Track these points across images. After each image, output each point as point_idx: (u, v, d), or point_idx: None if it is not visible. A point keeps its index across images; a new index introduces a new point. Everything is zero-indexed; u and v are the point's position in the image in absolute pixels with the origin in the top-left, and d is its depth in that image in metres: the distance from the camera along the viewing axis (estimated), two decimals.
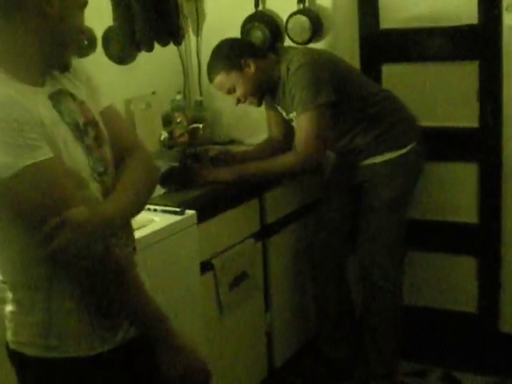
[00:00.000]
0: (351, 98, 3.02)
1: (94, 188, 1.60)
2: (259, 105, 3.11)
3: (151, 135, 3.35)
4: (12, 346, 1.62)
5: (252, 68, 2.99)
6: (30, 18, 1.48)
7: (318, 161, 2.99)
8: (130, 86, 3.37)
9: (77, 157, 1.56)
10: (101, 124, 1.67)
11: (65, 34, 1.54)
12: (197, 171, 2.89)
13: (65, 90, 1.62)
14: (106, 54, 3.24)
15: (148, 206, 2.48)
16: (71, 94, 1.62)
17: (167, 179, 2.77)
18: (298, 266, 3.43)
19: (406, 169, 3.08)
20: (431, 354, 3.44)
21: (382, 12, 3.40)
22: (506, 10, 3.12)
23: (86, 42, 2.92)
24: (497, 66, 3.21)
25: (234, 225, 2.92)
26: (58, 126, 1.53)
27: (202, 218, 2.58)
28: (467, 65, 3.29)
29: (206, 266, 2.70)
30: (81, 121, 1.60)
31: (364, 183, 3.14)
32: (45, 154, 1.43)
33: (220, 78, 2.98)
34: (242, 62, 2.97)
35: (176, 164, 2.83)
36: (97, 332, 1.60)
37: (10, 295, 1.60)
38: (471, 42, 3.27)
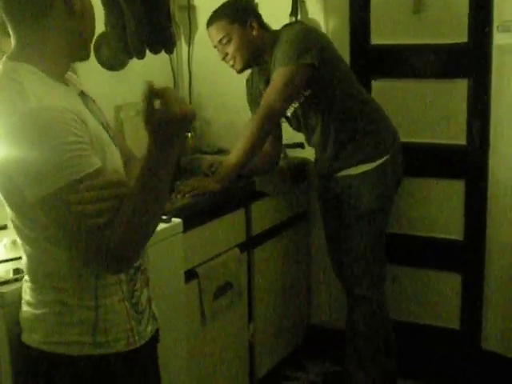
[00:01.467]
0: (333, 82, 2.99)
1: None
2: (241, 70, 3.06)
3: (140, 142, 3.30)
4: (43, 347, 1.61)
5: (254, 31, 2.99)
6: (59, 17, 1.54)
7: (277, 116, 2.96)
8: (120, 92, 3.37)
9: (116, 156, 1.65)
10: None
11: (87, 28, 1.63)
12: (175, 183, 2.85)
13: (84, 92, 1.70)
14: (97, 60, 3.24)
15: None
16: (91, 98, 1.71)
17: None
18: (283, 276, 3.43)
19: (381, 181, 3.06)
20: (413, 369, 3.44)
21: (373, 27, 3.42)
22: (497, 29, 3.14)
23: None
24: (486, 84, 3.23)
25: (220, 234, 2.92)
26: (98, 126, 1.60)
27: (187, 226, 2.57)
28: (456, 82, 3.31)
29: (190, 275, 2.70)
30: (103, 121, 1.68)
31: (341, 195, 3.13)
32: (96, 163, 1.47)
33: (221, 23, 2.96)
34: (249, 20, 2.98)
35: None
36: (135, 327, 1.67)
37: (46, 298, 1.61)
38: (461, 60, 3.28)
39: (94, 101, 1.73)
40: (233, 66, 3.05)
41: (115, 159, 1.63)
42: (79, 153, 1.43)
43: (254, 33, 2.99)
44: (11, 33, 1.57)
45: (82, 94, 1.67)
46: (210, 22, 3.02)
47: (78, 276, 1.58)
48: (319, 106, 3.03)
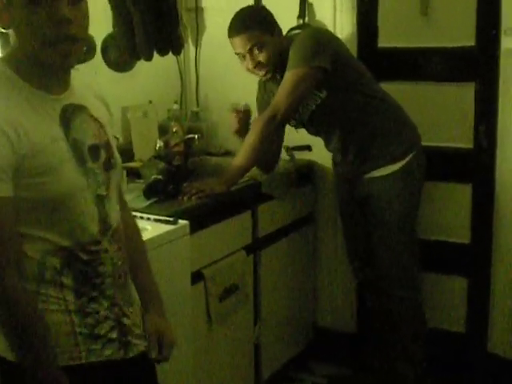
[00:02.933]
0: (349, 84, 2.99)
1: (90, 211, 1.61)
2: (271, 77, 3.04)
3: (147, 144, 3.36)
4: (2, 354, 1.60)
5: (280, 38, 3.00)
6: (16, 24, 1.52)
7: (283, 118, 2.94)
8: (127, 93, 3.38)
9: (70, 176, 1.55)
10: (115, 150, 1.71)
11: (29, 43, 1.51)
12: (182, 185, 2.86)
13: (85, 107, 1.64)
14: (105, 61, 3.25)
15: (141, 215, 2.49)
16: (91, 114, 1.65)
17: (150, 192, 2.76)
18: (289, 279, 3.44)
19: (409, 180, 3.06)
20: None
21: (380, 30, 3.42)
22: (504, 32, 3.13)
23: (85, 48, 2.93)
24: (493, 88, 3.22)
25: (226, 236, 2.93)
26: (57, 141, 1.54)
27: (194, 228, 2.58)
28: (463, 86, 3.30)
29: (196, 277, 2.71)
30: (91, 141, 1.62)
31: (368, 198, 3.11)
32: (4, 190, 1.45)
33: (253, 32, 2.91)
34: (276, 29, 2.99)
35: (160, 176, 2.82)
36: (82, 344, 1.61)
37: None
38: (468, 63, 3.28)
39: (101, 123, 1.68)
40: (264, 75, 3.02)
41: (67, 180, 1.55)
42: None
43: (281, 40, 3.00)
44: None
45: (74, 107, 1.62)
46: (237, 31, 2.94)
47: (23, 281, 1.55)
48: (336, 108, 3.03)
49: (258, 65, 2.97)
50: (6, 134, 1.44)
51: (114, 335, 1.67)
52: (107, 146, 1.68)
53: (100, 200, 1.64)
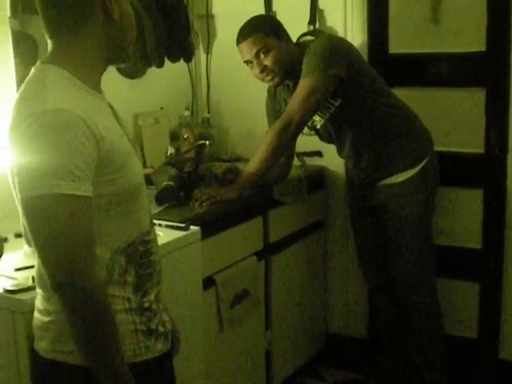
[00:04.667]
0: (364, 92, 2.98)
1: (146, 202, 1.71)
2: (279, 83, 3.02)
3: (158, 150, 3.37)
4: (47, 355, 1.62)
5: (288, 43, 2.99)
6: (97, 25, 1.57)
7: (297, 126, 2.90)
8: (138, 100, 3.40)
9: (138, 169, 1.65)
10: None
11: (126, 34, 1.64)
12: (193, 191, 2.86)
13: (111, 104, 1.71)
14: (116, 68, 3.26)
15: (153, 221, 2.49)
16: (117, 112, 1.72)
17: (161, 198, 2.77)
18: (300, 284, 3.44)
19: (424, 186, 3.06)
20: None
21: (391, 36, 3.43)
22: None
23: None
24: (504, 93, 3.22)
25: (238, 242, 2.94)
26: (123, 137, 1.62)
27: (205, 234, 2.58)
28: (474, 91, 3.30)
29: (208, 282, 2.71)
30: (130, 136, 1.70)
31: (383, 205, 3.10)
32: (86, 190, 1.46)
33: (257, 36, 2.91)
34: (284, 35, 2.98)
35: (171, 183, 2.83)
36: (143, 341, 1.65)
37: (52, 306, 1.60)
38: (479, 69, 3.28)
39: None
40: (271, 80, 3.00)
41: (136, 171, 1.63)
42: (76, 171, 1.43)
43: (289, 45, 2.99)
44: (48, 37, 1.59)
45: (110, 105, 1.69)
46: (243, 37, 2.95)
47: None
48: (350, 116, 3.02)
49: (264, 69, 2.95)
50: (92, 131, 1.47)
51: (161, 328, 1.72)
52: (133, 141, 1.75)
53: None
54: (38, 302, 1.66)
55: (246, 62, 2.99)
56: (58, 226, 1.43)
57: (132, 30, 1.66)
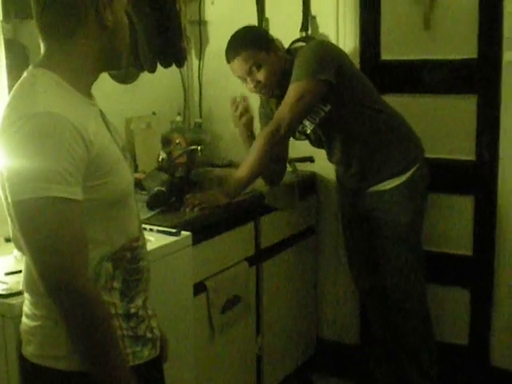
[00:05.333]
0: (353, 98, 2.99)
1: (134, 207, 1.72)
2: (272, 96, 3.04)
3: (150, 155, 3.37)
4: (34, 360, 1.61)
5: (278, 54, 2.98)
6: (90, 31, 1.57)
7: (286, 131, 2.90)
8: (130, 105, 3.40)
9: (126, 174, 1.64)
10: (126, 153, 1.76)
11: (120, 41, 1.64)
12: (185, 196, 2.86)
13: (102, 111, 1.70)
14: (108, 73, 3.26)
15: (144, 226, 2.48)
16: (109, 119, 1.72)
17: (153, 203, 2.77)
18: (292, 290, 3.44)
19: (413, 193, 3.06)
20: None
21: (383, 43, 3.44)
22: (506, 46, 3.15)
23: None
24: (495, 100, 3.23)
25: (229, 248, 2.93)
26: (112, 143, 1.61)
27: (197, 239, 2.58)
28: (466, 98, 3.31)
29: (199, 288, 2.71)
30: (120, 143, 1.71)
31: (373, 212, 3.11)
32: (76, 193, 1.46)
33: (247, 52, 2.90)
34: (273, 45, 2.97)
35: (163, 188, 2.83)
36: (129, 346, 1.64)
37: (39, 311, 1.59)
38: (471, 76, 3.29)
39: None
40: (265, 93, 3.03)
41: (124, 178, 1.62)
42: (65, 174, 1.42)
43: (279, 55, 2.99)
44: (41, 41, 1.59)
45: (101, 111, 1.69)
46: (233, 55, 2.94)
47: None
48: (340, 121, 3.03)
49: (258, 84, 2.96)
50: (81, 134, 1.46)
51: (149, 334, 1.70)
52: (124, 148, 1.75)
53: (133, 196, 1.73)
54: (26, 307, 1.65)
55: (239, 77, 3.00)
56: (49, 229, 1.43)
57: (125, 38, 1.66)
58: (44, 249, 1.44)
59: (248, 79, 2.97)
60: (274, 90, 3.00)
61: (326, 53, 2.94)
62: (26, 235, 1.45)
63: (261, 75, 2.94)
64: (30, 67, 1.59)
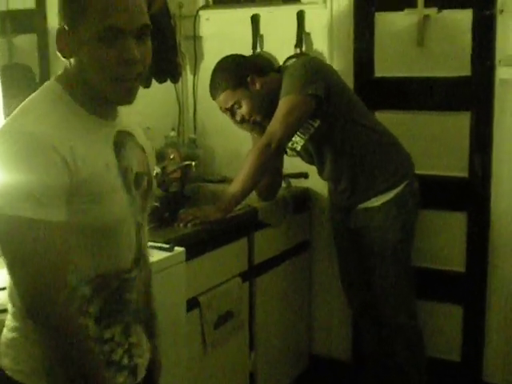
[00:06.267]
0: (342, 113, 3.01)
1: (130, 239, 1.62)
2: (262, 122, 3.04)
3: None
4: (8, 373, 1.57)
5: (257, 85, 3.00)
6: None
7: (278, 145, 2.91)
8: None
9: (120, 204, 1.55)
10: (154, 182, 1.72)
11: (96, 76, 1.49)
12: (178, 211, 2.86)
13: (133, 134, 1.66)
14: None
15: None
16: (137, 142, 1.67)
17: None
18: (285, 306, 3.43)
19: (402, 210, 3.06)
20: None
21: (377, 60, 3.45)
22: (499, 63, 3.17)
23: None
24: (488, 117, 3.25)
25: (222, 263, 2.93)
26: (110, 168, 1.53)
27: (190, 255, 2.58)
28: (459, 115, 3.33)
29: (192, 304, 2.70)
30: (137, 169, 1.62)
31: (362, 228, 3.12)
32: (53, 215, 1.42)
33: (225, 94, 2.97)
34: (249, 79, 2.98)
35: (157, 203, 2.82)
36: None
37: (16, 324, 1.57)
38: (464, 93, 3.31)
39: (144, 149, 1.70)
40: (252, 130, 3.08)
41: (116, 208, 1.54)
42: (40, 196, 1.39)
43: (258, 86, 3.01)
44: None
45: (125, 134, 1.63)
46: (214, 95, 3.03)
47: None
48: (330, 138, 3.04)
49: (243, 120, 3.02)
50: (63, 158, 1.42)
51: (125, 361, 1.65)
52: (149, 174, 1.70)
53: (138, 228, 1.65)
54: (7, 318, 1.62)
55: (224, 110, 3.05)
56: (23, 251, 1.41)
57: (101, 72, 1.48)
58: (18, 270, 1.42)
59: (232, 115, 3.04)
60: (262, 117, 3.03)
61: (314, 68, 2.97)
62: (3, 253, 1.43)
63: (243, 111, 3.00)
64: (51, 79, 1.58)
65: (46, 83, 1.56)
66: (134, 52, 1.49)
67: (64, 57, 1.51)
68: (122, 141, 1.60)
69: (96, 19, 1.44)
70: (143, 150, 1.69)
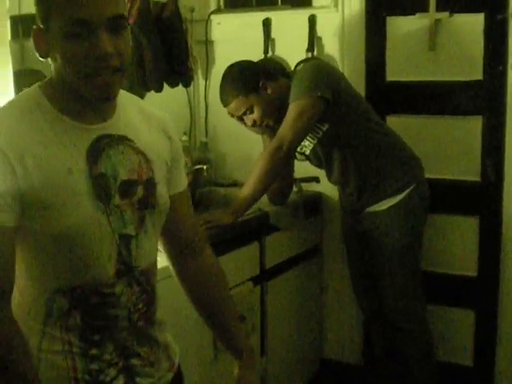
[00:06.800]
0: (350, 117, 3.01)
1: (107, 251, 1.50)
2: (274, 127, 3.03)
3: None
4: None
5: (269, 90, 3.00)
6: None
7: (288, 149, 2.91)
8: None
9: (82, 212, 1.44)
10: (160, 188, 1.61)
11: (70, 72, 1.42)
12: None
13: (128, 138, 1.54)
14: None
15: None
16: (135, 147, 1.55)
17: None
18: (296, 310, 3.43)
19: (410, 214, 3.06)
20: None
21: (388, 64, 3.45)
22: (511, 67, 3.16)
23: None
24: (500, 121, 3.24)
25: (234, 267, 2.93)
26: (73, 174, 1.44)
27: None
28: (471, 119, 3.32)
29: None
30: (125, 176, 1.52)
31: (370, 232, 3.12)
32: (7, 221, 1.38)
33: (237, 101, 2.96)
34: (260, 84, 2.99)
35: None
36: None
37: None
38: (476, 98, 3.30)
39: (147, 158, 1.58)
40: (266, 127, 3.06)
41: (80, 215, 1.44)
42: None
43: (269, 91, 3.01)
44: None
45: (111, 138, 1.51)
46: (225, 103, 3.01)
47: (23, 319, 1.48)
48: (338, 141, 3.05)
49: (255, 124, 3.02)
50: (10, 163, 1.37)
51: (120, 382, 1.56)
52: (149, 183, 1.57)
53: (125, 240, 1.52)
54: None
55: (233, 116, 3.05)
56: None
57: (71, 72, 1.42)
58: None
59: (245, 120, 3.03)
60: (274, 121, 3.02)
61: (320, 72, 2.98)
62: None
63: (255, 116, 2.99)
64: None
65: (26, 89, 1.51)
66: (104, 45, 1.38)
67: (42, 56, 1.45)
68: (101, 146, 1.49)
69: (62, 14, 1.37)
70: (144, 156, 1.57)
